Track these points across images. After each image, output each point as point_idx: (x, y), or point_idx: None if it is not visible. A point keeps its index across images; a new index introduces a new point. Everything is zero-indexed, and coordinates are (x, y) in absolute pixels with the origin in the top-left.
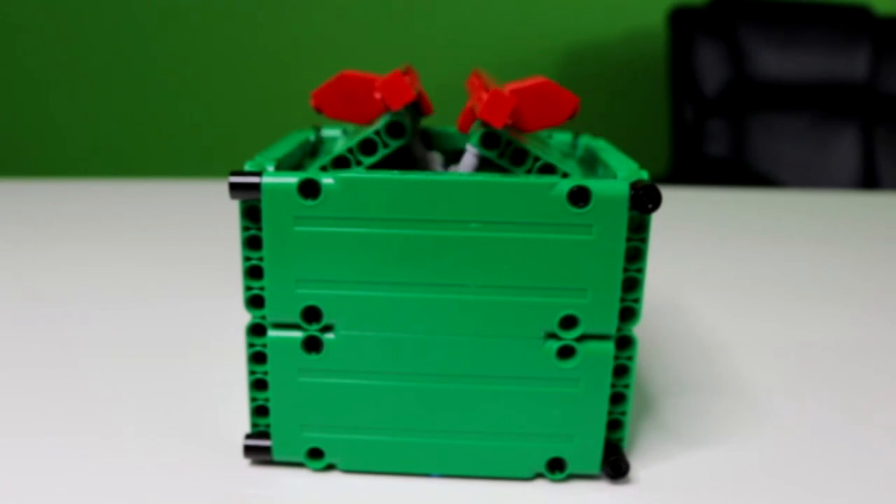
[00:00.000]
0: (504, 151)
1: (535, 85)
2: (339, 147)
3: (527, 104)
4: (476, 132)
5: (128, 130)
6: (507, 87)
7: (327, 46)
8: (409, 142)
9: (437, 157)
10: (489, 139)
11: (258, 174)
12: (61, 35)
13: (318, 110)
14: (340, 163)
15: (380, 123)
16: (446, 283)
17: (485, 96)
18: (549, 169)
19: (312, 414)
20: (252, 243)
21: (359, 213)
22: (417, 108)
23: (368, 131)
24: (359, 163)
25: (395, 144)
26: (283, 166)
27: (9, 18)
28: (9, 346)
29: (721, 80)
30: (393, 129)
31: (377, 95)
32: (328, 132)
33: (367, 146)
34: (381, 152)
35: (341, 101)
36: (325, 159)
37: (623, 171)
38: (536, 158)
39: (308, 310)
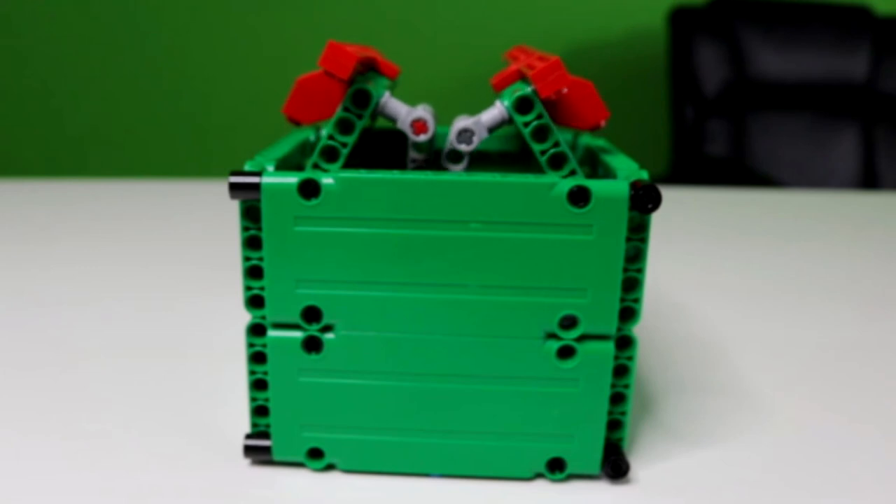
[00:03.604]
0: (532, 122)
1: (581, 82)
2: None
3: (566, 96)
4: (514, 93)
5: (128, 130)
6: None
7: None
8: (383, 103)
9: (423, 107)
10: (525, 103)
11: (258, 174)
12: (61, 35)
13: (295, 122)
14: (328, 153)
15: (345, 100)
16: (446, 283)
17: (540, 64)
18: (561, 158)
19: (312, 414)
20: (252, 243)
21: (359, 213)
22: (377, 72)
23: (338, 112)
24: (344, 145)
25: (367, 113)
26: (283, 166)
27: (9, 18)
28: (9, 346)
29: (721, 80)
30: (358, 99)
31: (323, 71)
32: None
33: (343, 126)
34: (359, 125)
35: (309, 105)
36: (314, 156)
37: (623, 171)
38: (556, 143)
39: (308, 310)
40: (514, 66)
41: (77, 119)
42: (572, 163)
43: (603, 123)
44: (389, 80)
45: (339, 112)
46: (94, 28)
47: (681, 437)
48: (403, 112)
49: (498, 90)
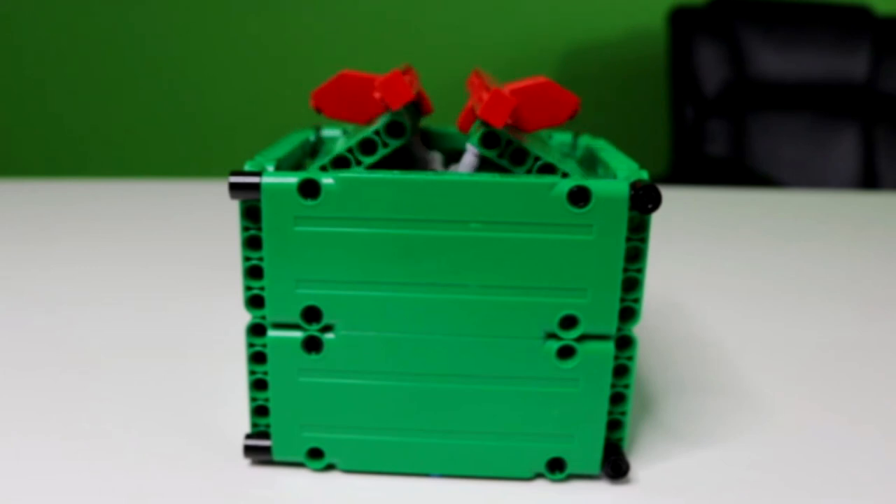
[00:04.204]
0: (504, 151)
1: (536, 84)
2: (339, 147)
3: (527, 104)
4: (476, 132)
5: (128, 130)
6: (508, 87)
7: (327, 46)
8: (409, 141)
9: (437, 157)
10: (489, 139)
11: (258, 174)
12: (61, 35)
13: (318, 110)
14: (340, 163)
15: (379, 123)
16: (446, 283)
17: (485, 96)
18: (548, 169)
19: (312, 414)
20: (252, 243)
21: (359, 213)
22: (417, 107)
23: (368, 131)
24: (358, 162)
25: (394, 144)
26: (283, 166)
27: (8, 18)
28: (9, 346)
29: (721, 80)
30: (393, 129)
31: (377, 95)
32: (328, 132)
33: (367, 146)
34: (381, 152)
35: (341, 101)
36: (324, 159)
37: (623, 171)
38: (537, 158)
39: (308, 310)
40: (468, 104)
41: (77, 119)
42: (562, 166)
43: (577, 109)
44: (423, 116)
45: (368, 133)
46: (93, 28)
47: (681, 437)
48: (423, 159)
49: (465, 131)
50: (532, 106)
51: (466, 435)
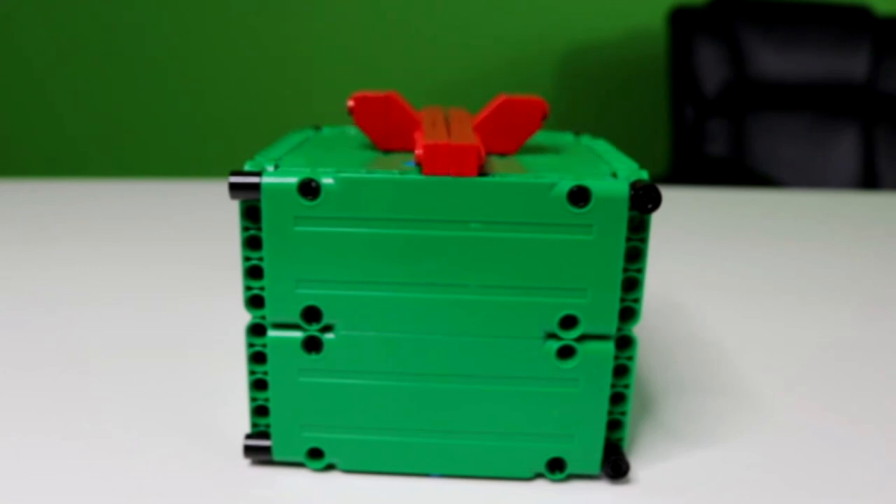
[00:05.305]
0: None
1: (494, 109)
2: (352, 162)
3: (495, 130)
4: None
5: (128, 130)
6: (474, 120)
7: (328, 46)
8: None
9: None
10: None
11: (258, 174)
12: (61, 34)
13: (350, 111)
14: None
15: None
16: (446, 283)
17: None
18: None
19: (312, 414)
20: (252, 243)
21: (359, 213)
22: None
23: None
24: None
25: None
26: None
27: (9, 18)
28: (9, 346)
29: (721, 80)
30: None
31: (418, 152)
32: (327, 132)
33: None
34: None
35: (376, 117)
36: (334, 166)
37: (623, 171)
38: None
39: (308, 310)
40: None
41: (77, 119)
42: (553, 173)
43: (546, 110)
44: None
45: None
46: (94, 28)
47: (681, 437)
48: None
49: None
50: (501, 129)
51: (466, 435)
